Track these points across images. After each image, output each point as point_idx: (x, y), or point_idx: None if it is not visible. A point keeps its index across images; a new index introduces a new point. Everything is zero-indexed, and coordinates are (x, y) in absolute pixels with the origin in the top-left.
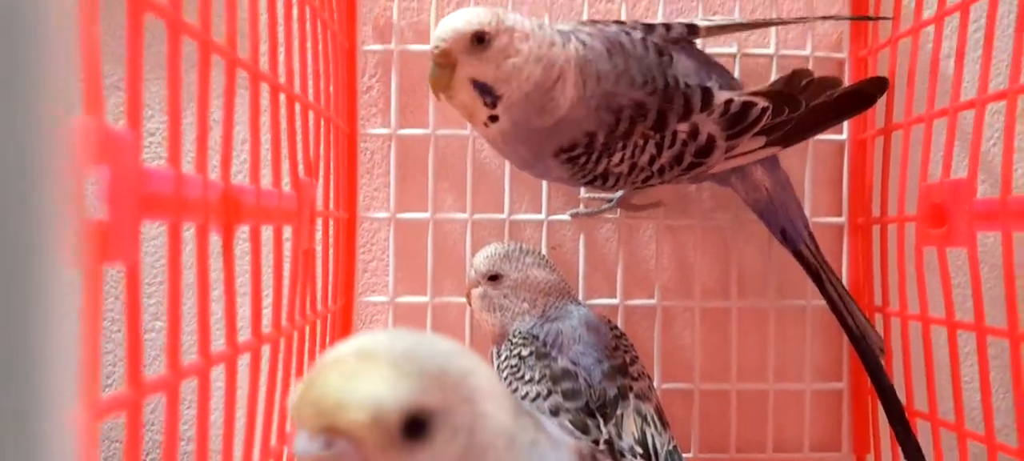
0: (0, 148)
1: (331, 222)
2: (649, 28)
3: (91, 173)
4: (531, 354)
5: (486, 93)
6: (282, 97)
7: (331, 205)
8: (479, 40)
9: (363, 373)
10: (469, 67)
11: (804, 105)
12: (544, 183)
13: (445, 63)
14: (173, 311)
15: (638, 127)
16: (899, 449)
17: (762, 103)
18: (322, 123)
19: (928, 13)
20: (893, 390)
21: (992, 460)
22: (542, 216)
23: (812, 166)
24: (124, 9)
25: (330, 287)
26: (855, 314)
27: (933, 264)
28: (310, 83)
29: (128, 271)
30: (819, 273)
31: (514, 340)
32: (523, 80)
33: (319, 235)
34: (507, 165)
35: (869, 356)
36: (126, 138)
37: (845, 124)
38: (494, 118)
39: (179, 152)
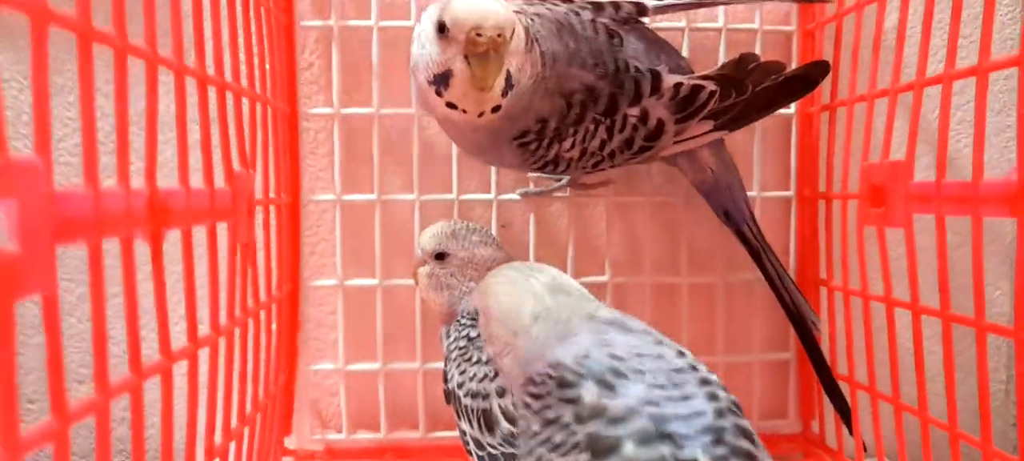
0: None
1: (273, 208)
2: (598, 8)
3: None
4: (479, 336)
5: (508, 83)
6: (211, 90)
7: (272, 191)
8: (513, 29)
9: None
10: (511, 57)
11: (750, 89)
12: None
13: (500, 50)
14: (98, 330)
15: (589, 112)
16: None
17: (710, 87)
18: (259, 107)
19: None
20: (824, 360)
21: (924, 431)
22: (491, 195)
23: (760, 139)
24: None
25: (275, 274)
26: (791, 291)
27: (875, 239)
28: (243, 65)
29: (45, 301)
30: (759, 252)
31: (462, 320)
32: (529, 66)
33: (262, 220)
34: (454, 145)
35: (804, 330)
36: (35, 166)
37: None
38: (497, 108)
39: (96, 168)
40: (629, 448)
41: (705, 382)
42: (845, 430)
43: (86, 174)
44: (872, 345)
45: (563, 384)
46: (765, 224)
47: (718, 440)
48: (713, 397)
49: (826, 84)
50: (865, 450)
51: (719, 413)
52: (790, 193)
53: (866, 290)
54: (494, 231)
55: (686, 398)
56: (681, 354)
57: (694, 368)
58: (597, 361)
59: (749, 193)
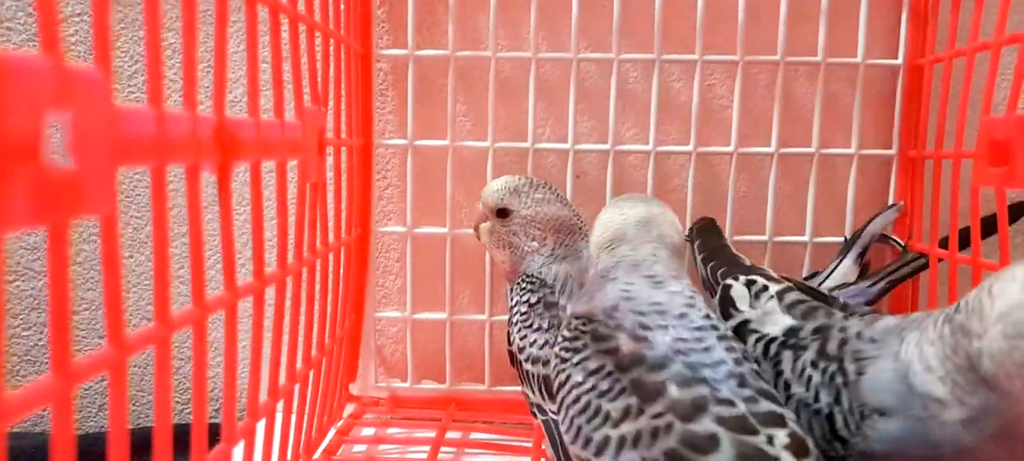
0: None
1: (344, 150)
2: None
3: (54, 119)
4: (539, 302)
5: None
6: (284, 19)
7: (343, 132)
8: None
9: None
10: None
11: None
12: (570, 108)
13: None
14: (160, 259)
15: None
16: None
17: None
18: (331, 45)
19: None
20: None
21: None
22: (568, 145)
23: (862, 92)
24: None
25: (344, 217)
26: None
27: (989, 204)
28: (318, 1)
29: (104, 223)
30: None
31: (523, 284)
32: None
33: (331, 161)
34: (532, 88)
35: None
36: (94, 78)
37: (900, 47)
38: None
39: (160, 87)
40: (673, 390)
41: (722, 337)
42: None
43: (150, 95)
44: None
45: (597, 337)
46: (863, 184)
47: (742, 383)
48: (730, 349)
49: (942, 33)
50: None
51: (737, 361)
52: (891, 151)
53: (977, 257)
54: (568, 182)
55: (708, 349)
56: (707, 317)
57: (714, 327)
58: (625, 315)
59: (846, 150)
